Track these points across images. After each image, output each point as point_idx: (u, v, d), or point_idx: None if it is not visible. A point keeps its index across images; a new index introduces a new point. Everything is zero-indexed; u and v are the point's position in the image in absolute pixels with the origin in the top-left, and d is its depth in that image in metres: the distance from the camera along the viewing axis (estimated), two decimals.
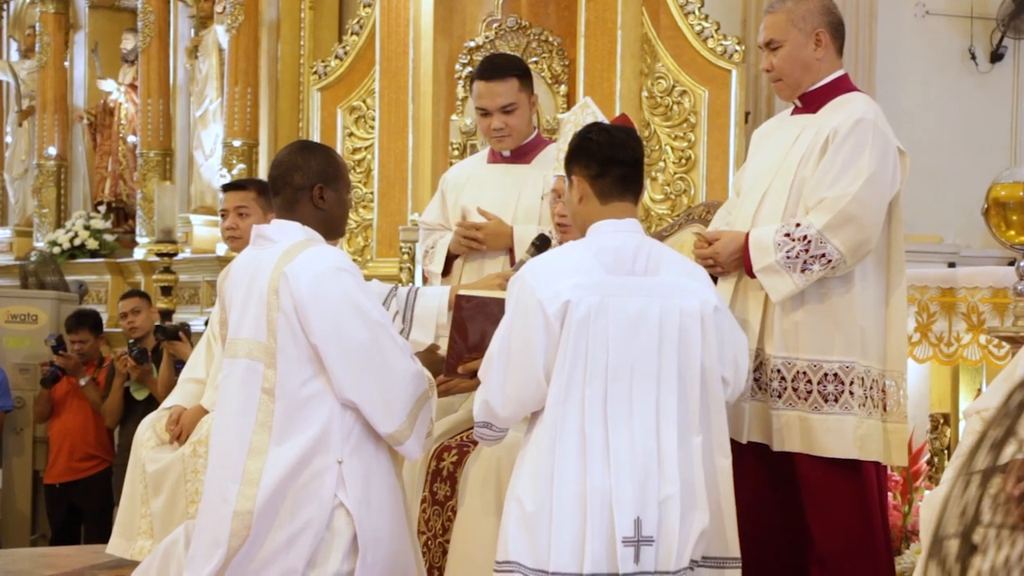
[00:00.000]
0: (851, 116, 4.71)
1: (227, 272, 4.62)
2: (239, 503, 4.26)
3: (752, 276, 4.72)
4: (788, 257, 4.61)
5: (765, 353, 4.77)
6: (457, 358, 4.73)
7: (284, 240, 4.38)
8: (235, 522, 4.26)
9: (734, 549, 4.26)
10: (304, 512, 4.23)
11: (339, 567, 4.22)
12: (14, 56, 14.34)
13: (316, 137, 9.01)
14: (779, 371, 4.74)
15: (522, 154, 5.74)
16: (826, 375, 4.70)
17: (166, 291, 10.01)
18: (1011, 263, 5.48)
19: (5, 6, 14.10)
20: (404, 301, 5.01)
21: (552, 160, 5.29)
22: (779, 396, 4.74)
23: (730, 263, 4.77)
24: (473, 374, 4.49)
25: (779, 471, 4.79)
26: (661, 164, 7.86)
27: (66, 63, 13.39)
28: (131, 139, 12.61)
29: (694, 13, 7.73)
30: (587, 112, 4.99)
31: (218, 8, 11.03)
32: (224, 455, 4.36)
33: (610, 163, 4.22)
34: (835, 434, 4.69)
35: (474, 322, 4.69)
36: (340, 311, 4.26)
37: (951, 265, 7.34)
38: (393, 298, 4.99)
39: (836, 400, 4.69)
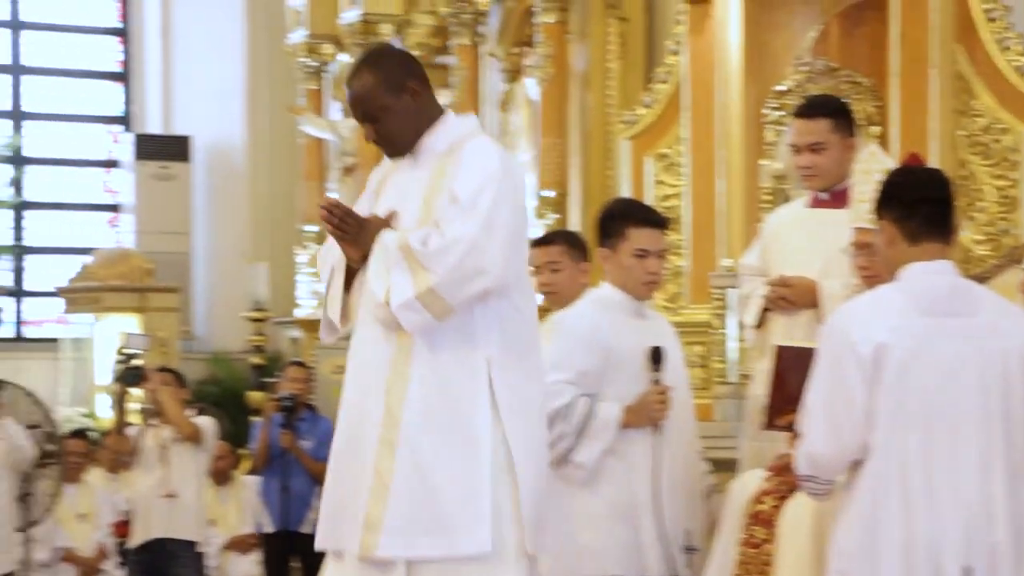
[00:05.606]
0: None
1: None
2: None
3: None
4: None
5: None
6: (776, 411, 4.69)
7: None
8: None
9: None
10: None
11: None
12: (337, 115, 14.87)
13: (626, 185, 9.09)
14: None
15: (839, 198, 5.70)
16: None
17: None
18: None
19: (325, 68, 14.64)
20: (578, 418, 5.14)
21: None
22: None
23: None
24: (790, 426, 4.43)
25: None
26: (981, 204, 7.66)
27: None
28: None
29: (1010, 49, 7.52)
30: (874, 160, 4.97)
31: (528, 61, 11.21)
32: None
33: (915, 204, 4.14)
34: None
35: (793, 372, 4.63)
36: None
37: None
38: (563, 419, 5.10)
39: None
